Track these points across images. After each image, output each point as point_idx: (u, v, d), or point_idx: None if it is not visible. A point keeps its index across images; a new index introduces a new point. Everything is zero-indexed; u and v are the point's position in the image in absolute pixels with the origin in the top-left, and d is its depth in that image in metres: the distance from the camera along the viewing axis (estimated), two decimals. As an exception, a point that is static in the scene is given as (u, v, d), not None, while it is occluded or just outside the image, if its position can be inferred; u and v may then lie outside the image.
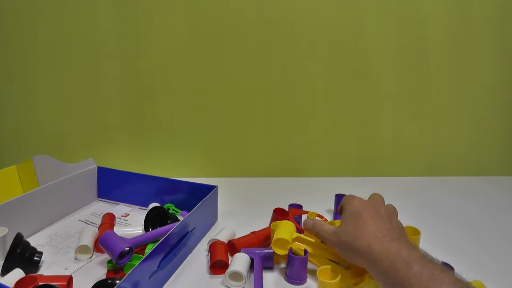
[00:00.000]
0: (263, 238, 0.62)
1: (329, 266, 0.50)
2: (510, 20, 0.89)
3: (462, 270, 0.51)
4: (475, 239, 0.67)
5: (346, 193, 0.72)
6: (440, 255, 0.54)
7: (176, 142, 0.99)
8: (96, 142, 0.98)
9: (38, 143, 0.99)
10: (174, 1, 0.88)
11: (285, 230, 0.55)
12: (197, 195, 0.68)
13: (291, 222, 0.57)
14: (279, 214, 0.69)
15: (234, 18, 0.89)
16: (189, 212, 0.60)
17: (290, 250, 0.53)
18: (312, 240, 0.54)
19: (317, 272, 0.48)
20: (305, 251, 0.53)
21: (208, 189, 0.69)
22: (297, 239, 0.55)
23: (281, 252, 0.53)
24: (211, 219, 0.71)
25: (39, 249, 0.58)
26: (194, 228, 0.61)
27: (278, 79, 0.93)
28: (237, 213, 0.76)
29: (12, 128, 0.98)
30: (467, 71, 0.93)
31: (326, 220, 0.69)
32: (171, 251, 0.53)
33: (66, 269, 0.55)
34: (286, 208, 0.70)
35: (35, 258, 0.55)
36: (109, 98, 0.95)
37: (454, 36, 0.90)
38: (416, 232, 0.52)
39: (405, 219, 0.72)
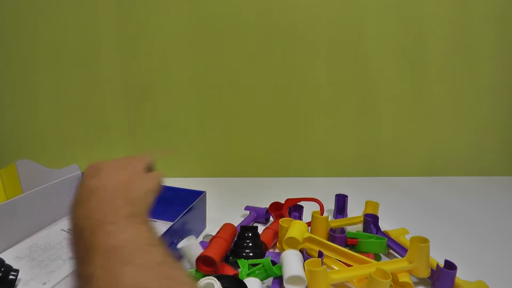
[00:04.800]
0: (272, 237, 0.62)
1: (318, 259, 0.50)
2: (510, 20, 0.89)
3: (463, 270, 0.51)
4: (475, 239, 0.67)
5: (346, 193, 0.74)
6: (440, 255, 0.54)
7: (176, 142, 0.98)
8: (96, 142, 0.98)
9: (38, 143, 0.99)
10: (174, 1, 0.88)
11: (297, 229, 0.55)
12: (185, 201, 0.64)
13: (303, 222, 0.58)
14: (273, 210, 0.72)
15: (234, 18, 0.89)
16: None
17: (305, 251, 0.54)
18: (323, 240, 0.54)
19: (305, 263, 0.48)
20: (320, 253, 0.53)
21: (196, 195, 0.66)
22: (308, 239, 0.55)
23: None
24: (199, 227, 0.68)
25: (17, 262, 0.55)
26: (180, 238, 0.58)
27: (278, 79, 0.93)
28: (236, 212, 0.76)
29: (12, 128, 0.98)
30: (467, 71, 0.93)
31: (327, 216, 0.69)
32: None
33: (44, 283, 0.53)
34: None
35: (10, 277, 0.51)
36: (109, 98, 0.95)
37: (454, 36, 0.90)
38: (425, 240, 0.51)
39: (405, 219, 0.72)
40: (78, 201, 0.34)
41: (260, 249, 0.57)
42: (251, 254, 0.56)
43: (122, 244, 0.28)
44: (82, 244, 0.29)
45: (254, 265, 0.53)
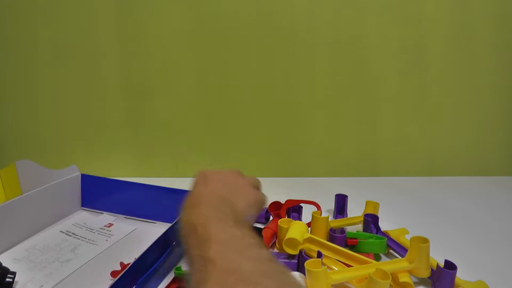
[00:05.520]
0: (270, 237, 0.62)
1: (319, 260, 0.49)
2: (510, 20, 0.89)
3: (463, 270, 0.51)
4: (475, 239, 0.67)
5: (346, 193, 0.73)
6: (440, 255, 0.54)
7: (176, 142, 0.98)
8: (96, 142, 0.98)
9: (37, 143, 0.99)
10: (174, 1, 0.88)
11: (297, 230, 0.55)
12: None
13: (303, 223, 0.58)
14: (273, 209, 0.71)
15: (234, 18, 0.89)
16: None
17: (304, 252, 0.53)
18: (323, 241, 0.54)
19: (305, 263, 0.48)
20: (319, 253, 0.53)
21: None
22: (308, 240, 0.55)
23: (292, 251, 0.54)
24: None
25: (14, 264, 0.54)
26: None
27: (278, 79, 0.93)
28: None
29: (12, 128, 0.98)
30: (467, 71, 0.93)
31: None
32: (151, 267, 0.50)
33: (41, 286, 0.52)
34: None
35: (7, 280, 0.51)
36: (109, 98, 0.95)
37: (454, 36, 0.90)
38: (425, 240, 0.51)
39: (405, 219, 0.72)
40: (190, 203, 0.38)
41: None
42: None
43: (233, 239, 0.31)
44: (195, 236, 0.32)
45: None
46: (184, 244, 0.33)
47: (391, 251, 0.60)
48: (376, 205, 0.69)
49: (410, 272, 0.51)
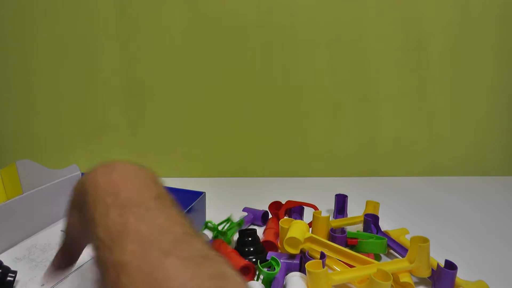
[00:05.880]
0: (274, 237, 0.62)
1: (319, 261, 0.49)
2: (510, 20, 0.90)
3: (463, 270, 0.51)
4: (475, 239, 0.67)
5: (346, 193, 0.73)
6: (440, 255, 0.54)
7: (176, 142, 0.99)
8: (96, 142, 0.98)
9: (38, 143, 0.99)
10: (174, 1, 0.88)
11: (298, 229, 0.55)
12: (184, 202, 0.63)
13: (304, 222, 0.58)
14: (274, 209, 0.71)
15: (234, 18, 0.89)
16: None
17: (307, 253, 0.53)
18: (324, 240, 0.54)
19: (306, 264, 0.48)
20: (322, 254, 0.53)
21: (195, 196, 0.65)
22: (309, 239, 0.55)
23: (292, 251, 0.54)
24: (198, 228, 0.67)
25: (15, 263, 0.55)
26: None
27: (278, 79, 0.93)
28: (236, 213, 0.76)
29: (12, 128, 0.98)
30: (467, 71, 0.93)
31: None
32: None
33: (42, 285, 0.53)
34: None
35: (8, 278, 0.51)
36: (109, 98, 0.95)
37: (454, 35, 0.90)
38: (425, 240, 0.51)
39: (405, 219, 0.72)
40: (99, 171, 0.28)
41: (263, 253, 0.57)
42: (254, 260, 0.56)
43: (157, 231, 0.23)
44: (104, 225, 0.24)
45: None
46: (90, 236, 0.25)
47: (391, 251, 0.61)
48: (376, 205, 0.69)
49: (410, 272, 0.51)
